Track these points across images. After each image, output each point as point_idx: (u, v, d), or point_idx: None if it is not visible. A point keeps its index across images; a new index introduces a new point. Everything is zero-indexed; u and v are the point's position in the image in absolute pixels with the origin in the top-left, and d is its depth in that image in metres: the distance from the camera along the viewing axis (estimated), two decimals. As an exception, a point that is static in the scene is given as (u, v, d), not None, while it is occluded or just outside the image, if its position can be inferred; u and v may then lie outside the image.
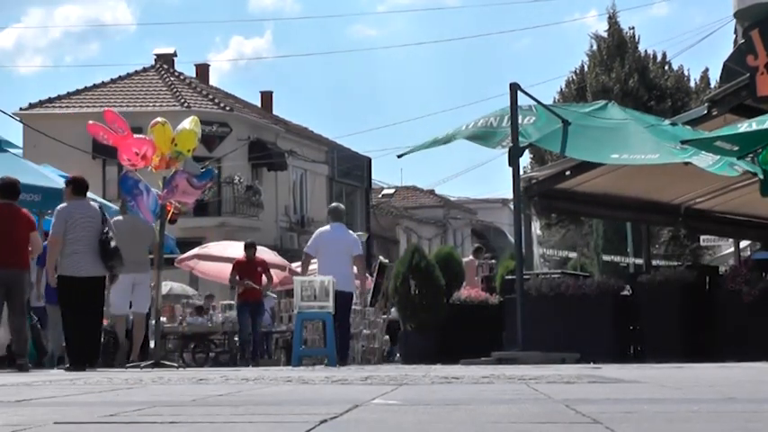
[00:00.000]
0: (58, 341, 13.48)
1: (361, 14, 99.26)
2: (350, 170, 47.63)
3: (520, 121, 14.25)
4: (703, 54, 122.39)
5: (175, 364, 14.38)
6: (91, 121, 13.29)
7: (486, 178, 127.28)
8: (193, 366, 17.76)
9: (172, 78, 42.40)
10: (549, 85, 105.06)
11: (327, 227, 14.40)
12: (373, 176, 50.55)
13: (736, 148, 12.90)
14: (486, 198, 60.52)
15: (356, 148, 48.97)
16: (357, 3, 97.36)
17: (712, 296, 15.00)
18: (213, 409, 4.60)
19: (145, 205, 12.80)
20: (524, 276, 14.41)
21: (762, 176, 13.59)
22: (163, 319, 16.78)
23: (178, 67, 44.77)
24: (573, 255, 35.61)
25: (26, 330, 12.05)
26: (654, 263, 25.73)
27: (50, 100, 40.78)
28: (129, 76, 43.03)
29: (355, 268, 14.06)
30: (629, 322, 15.54)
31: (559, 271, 17.91)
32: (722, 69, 17.33)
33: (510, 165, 14.15)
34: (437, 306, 17.14)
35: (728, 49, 21.74)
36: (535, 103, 14.94)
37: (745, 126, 13.02)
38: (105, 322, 16.61)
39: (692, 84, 44.64)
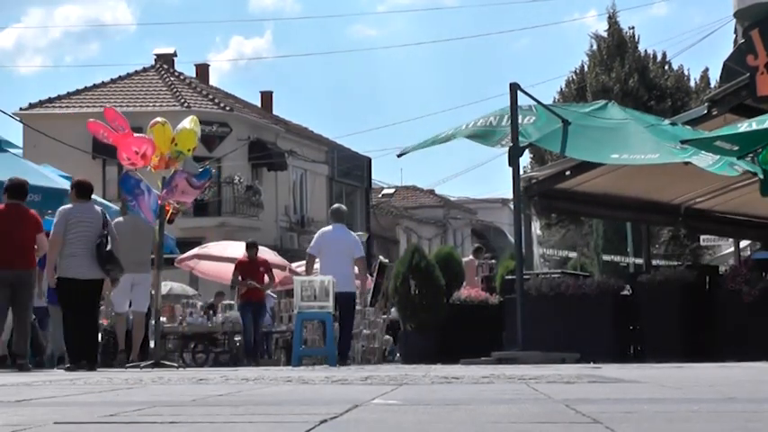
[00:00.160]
0: (59, 341, 13.48)
1: (361, 14, 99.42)
2: (350, 170, 47.61)
3: (520, 120, 14.25)
4: (703, 54, 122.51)
5: (175, 364, 14.38)
6: (91, 119, 13.29)
7: (486, 178, 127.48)
8: (193, 366, 17.76)
9: (172, 78, 42.38)
10: (548, 85, 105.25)
11: (329, 227, 14.43)
12: (373, 176, 50.62)
13: (736, 148, 12.90)
14: (486, 198, 60.54)
15: (356, 148, 49.08)
16: (357, 3, 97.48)
17: (712, 296, 15.00)
18: (213, 409, 4.60)
19: (146, 205, 12.78)
20: (524, 276, 14.41)
21: (762, 176, 13.58)
22: (163, 319, 16.77)
23: (178, 67, 44.86)
24: (573, 255, 35.60)
25: (29, 331, 12.06)
26: (654, 263, 25.72)
27: (50, 100, 40.76)
28: (129, 76, 43.01)
29: (356, 270, 14.07)
30: (629, 322, 15.53)
31: (559, 271, 17.90)
32: (722, 69, 17.33)
33: (510, 165, 14.15)
34: (437, 306, 17.13)
35: (728, 49, 21.76)
36: (535, 102, 14.94)
37: (745, 126, 13.02)
38: (105, 322, 16.68)
39: (692, 84, 44.63)
